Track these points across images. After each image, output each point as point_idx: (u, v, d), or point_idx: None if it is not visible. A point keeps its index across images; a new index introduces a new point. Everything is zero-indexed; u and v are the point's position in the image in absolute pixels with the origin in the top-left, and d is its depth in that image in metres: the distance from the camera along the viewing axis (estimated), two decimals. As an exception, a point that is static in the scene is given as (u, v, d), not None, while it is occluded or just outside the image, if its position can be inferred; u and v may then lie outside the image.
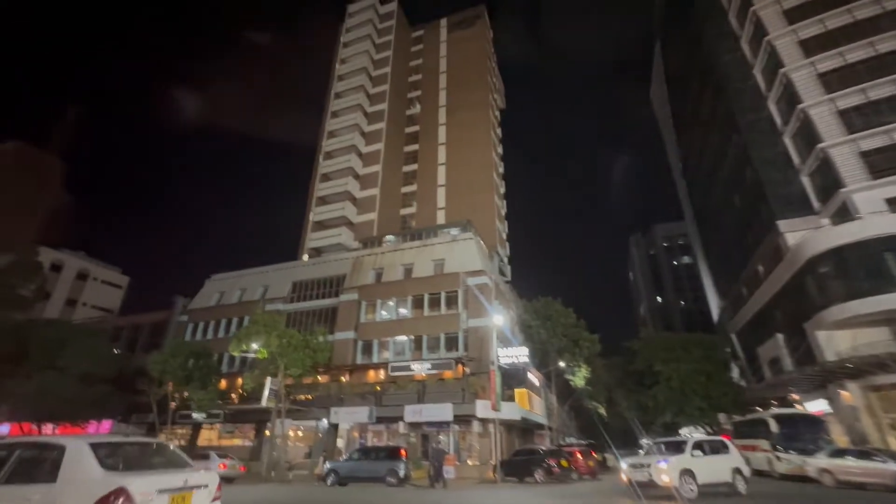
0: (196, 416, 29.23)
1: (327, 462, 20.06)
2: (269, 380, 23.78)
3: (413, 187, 49.26)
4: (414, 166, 50.53)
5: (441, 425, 25.57)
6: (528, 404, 28.90)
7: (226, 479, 21.54)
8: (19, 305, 36.81)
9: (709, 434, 46.89)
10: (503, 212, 49.78)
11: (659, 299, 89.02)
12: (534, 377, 32.14)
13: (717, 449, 13.82)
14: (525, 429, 33.27)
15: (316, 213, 45.10)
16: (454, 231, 35.62)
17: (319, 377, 29.94)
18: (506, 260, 46.64)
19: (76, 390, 26.44)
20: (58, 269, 55.61)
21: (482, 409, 24.12)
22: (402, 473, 17.44)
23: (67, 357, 27.19)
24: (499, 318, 23.53)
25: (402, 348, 29.68)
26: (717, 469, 13.17)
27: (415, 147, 51.85)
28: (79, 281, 57.75)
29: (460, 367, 26.80)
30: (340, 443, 28.11)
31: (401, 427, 26.47)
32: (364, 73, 52.30)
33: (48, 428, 29.78)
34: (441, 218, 45.29)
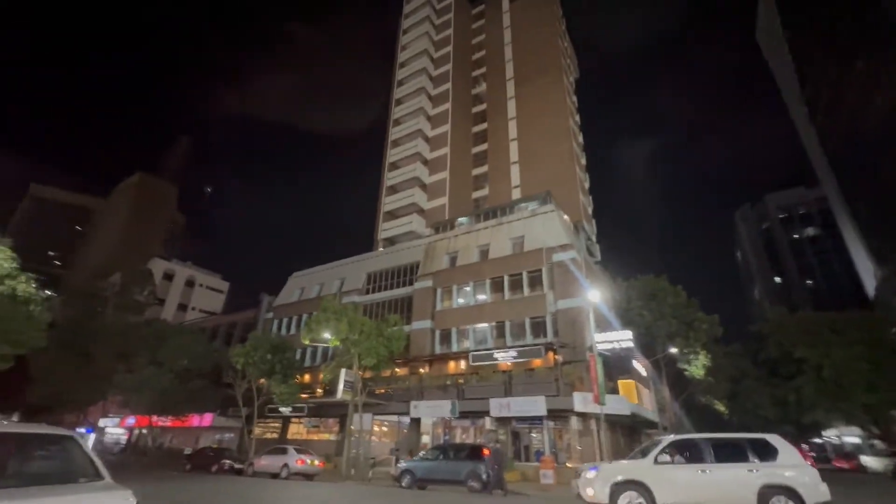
0: (282, 409, 29.24)
1: (402, 461, 17.89)
2: (343, 371, 22.47)
3: (484, 168, 46.19)
4: (484, 146, 47.42)
5: (533, 421, 22.35)
6: (637, 397, 24.50)
7: (305, 476, 20.61)
8: (134, 308, 40.50)
9: (871, 437, 37.69)
10: (587, 185, 44.71)
11: (778, 279, 77.34)
12: (640, 366, 27.45)
13: (737, 454, 8.89)
14: (632, 427, 28.68)
15: (386, 203, 44.12)
16: (532, 205, 31.98)
17: (398, 369, 28.37)
18: (593, 238, 41.70)
19: (173, 384, 27.68)
20: (170, 277, 61.69)
21: (581, 402, 20.49)
22: (485, 476, 14.62)
23: (164, 353, 28.64)
24: (595, 294, 19.71)
25: (483, 336, 26.92)
26: (717, 486, 8.56)
27: (483, 126, 48.72)
28: (187, 287, 63.62)
29: (551, 354, 23.32)
30: (426, 439, 26.19)
31: (487, 423, 23.73)
32: (425, 56, 50.42)
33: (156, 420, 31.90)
34: (517, 197, 41.71)
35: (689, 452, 9.16)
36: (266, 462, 20.96)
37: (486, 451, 16.72)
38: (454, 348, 27.41)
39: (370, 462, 21.53)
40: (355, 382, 23.09)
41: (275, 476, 20.18)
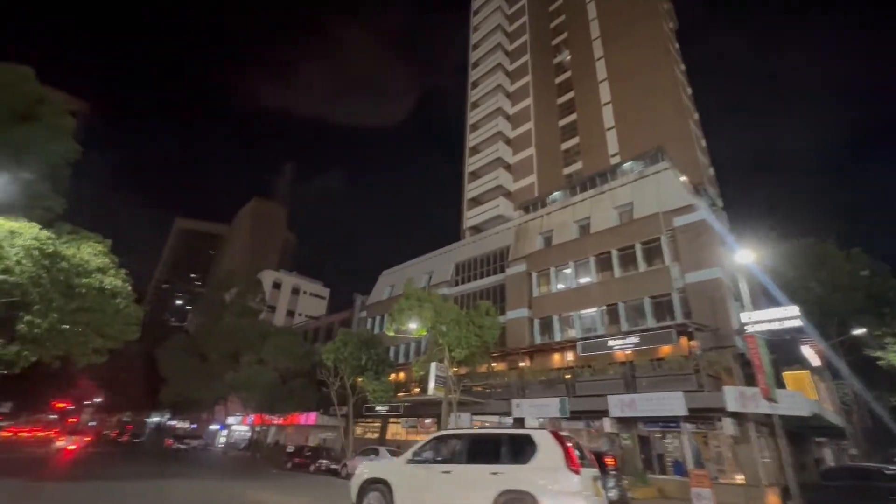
0: (379, 408, 28.22)
1: None
2: (433, 365, 20.30)
3: (574, 140, 41.35)
4: (572, 117, 42.57)
5: (667, 423, 17.84)
6: (815, 393, 18.49)
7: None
8: (248, 313, 43.42)
9: None
10: (703, 143, 37.51)
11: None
12: (813, 353, 21.01)
13: (490, 453, 7.30)
14: (798, 434, 22.14)
15: (470, 190, 41.72)
16: (639, 166, 26.96)
17: (494, 364, 25.52)
18: (718, 204, 34.59)
19: (275, 383, 28.16)
20: (278, 286, 66.60)
21: (736, 399, 15.62)
22: (611, 494, 11.02)
23: (267, 352, 29.41)
24: (745, 255, 14.85)
25: (591, 323, 22.90)
26: (455, 490, 7.14)
27: (569, 96, 43.83)
28: (293, 295, 68.23)
29: (684, 339, 18.58)
30: (532, 442, 22.89)
31: (606, 424, 19.67)
32: (499, 31, 47.24)
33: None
34: (616, 166, 36.38)
35: (446, 450, 8.04)
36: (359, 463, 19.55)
37: (610, 460, 13.18)
38: (557, 338, 23.77)
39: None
40: (447, 377, 20.77)
41: (369, 479, 18.61)
